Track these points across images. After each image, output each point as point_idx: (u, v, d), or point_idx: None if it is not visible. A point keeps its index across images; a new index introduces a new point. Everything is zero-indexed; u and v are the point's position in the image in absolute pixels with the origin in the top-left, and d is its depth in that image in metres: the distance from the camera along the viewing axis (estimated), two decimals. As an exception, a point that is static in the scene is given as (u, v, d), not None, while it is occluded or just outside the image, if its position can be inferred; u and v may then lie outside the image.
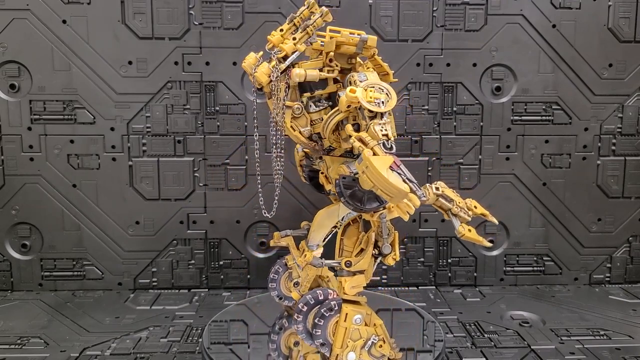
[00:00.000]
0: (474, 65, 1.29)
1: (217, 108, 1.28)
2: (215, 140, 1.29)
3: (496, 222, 0.84)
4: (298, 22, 0.89)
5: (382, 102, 0.77)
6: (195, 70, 1.27)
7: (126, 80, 1.26)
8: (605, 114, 1.33)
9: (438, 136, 1.31)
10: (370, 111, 0.77)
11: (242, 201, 1.31)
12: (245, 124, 1.28)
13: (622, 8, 1.28)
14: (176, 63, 1.26)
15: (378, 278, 1.35)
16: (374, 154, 0.73)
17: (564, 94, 1.31)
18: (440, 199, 0.78)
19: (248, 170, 1.30)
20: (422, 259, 1.36)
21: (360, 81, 0.81)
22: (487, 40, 1.28)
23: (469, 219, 0.78)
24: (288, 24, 0.89)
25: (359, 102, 0.77)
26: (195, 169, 1.30)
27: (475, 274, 1.37)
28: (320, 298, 0.85)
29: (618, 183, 1.35)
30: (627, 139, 1.34)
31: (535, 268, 1.37)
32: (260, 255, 1.33)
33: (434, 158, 1.32)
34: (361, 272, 0.85)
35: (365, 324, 0.83)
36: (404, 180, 0.70)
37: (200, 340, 1.05)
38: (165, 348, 1.03)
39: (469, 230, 0.78)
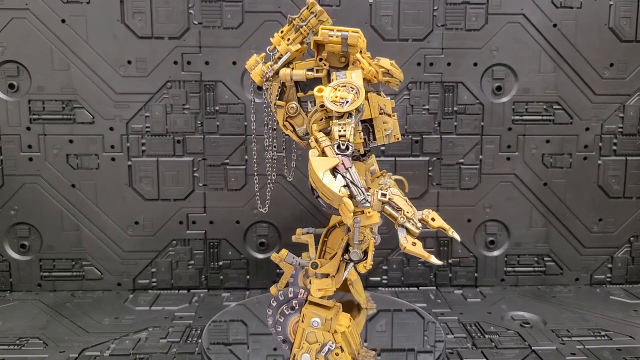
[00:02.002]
0: (475, 64, 1.29)
1: (217, 108, 1.27)
2: (215, 140, 1.28)
3: (458, 238, 0.79)
4: (297, 22, 0.89)
5: (347, 102, 0.76)
6: (195, 70, 1.26)
7: (125, 79, 1.26)
8: (607, 113, 1.32)
9: (439, 136, 1.31)
10: (337, 112, 0.76)
11: (242, 201, 1.31)
12: (245, 123, 1.28)
13: (623, 7, 1.28)
14: (175, 62, 1.26)
15: (379, 279, 1.35)
16: (324, 155, 0.73)
17: (564, 94, 1.31)
18: (386, 206, 0.75)
19: (248, 170, 1.29)
20: (422, 259, 1.35)
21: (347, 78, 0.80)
22: (487, 39, 1.28)
23: (417, 231, 0.74)
24: (288, 25, 0.89)
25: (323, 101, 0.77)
26: (194, 169, 1.29)
27: (475, 275, 1.36)
28: (290, 296, 0.86)
29: (619, 183, 1.34)
30: (628, 139, 1.33)
31: (536, 268, 1.37)
32: (260, 256, 1.33)
33: (435, 158, 1.31)
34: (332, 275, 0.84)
35: (326, 329, 0.81)
36: (347, 184, 0.70)
37: (199, 340, 1.04)
38: (165, 349, 1.03)
39: (413, 244, 0.74)
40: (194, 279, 1.33)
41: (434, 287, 1.35)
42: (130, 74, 1.26)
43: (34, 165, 1.27)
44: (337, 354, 0.80)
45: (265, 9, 1.24)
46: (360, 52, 0.87)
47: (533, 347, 1.03)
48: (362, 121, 0.86)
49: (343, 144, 0.75)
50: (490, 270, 1.36)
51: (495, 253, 1.36)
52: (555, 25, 1.28)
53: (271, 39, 0.90)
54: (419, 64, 1.28)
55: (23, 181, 1.28)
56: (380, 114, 0.85)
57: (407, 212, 0.74)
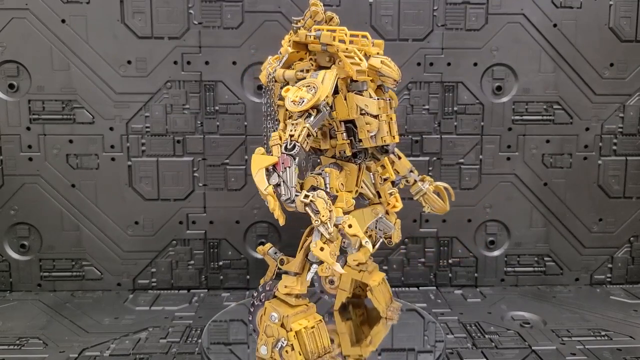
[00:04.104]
0: (475, 64, 1.29)
1: (217, 108, 1.27)
2: (215, 140, 1.28)
3: (371, 249, 0.79)
4: (299, 24, 0.90)
5: (305, 102, 0.78)
6: (195, 70, 1.26)
7: (125, 79, 1.26)
8: (607, 113, 1.32)
9: (439, 136, 1.31)
10: (292, 111, 0.79)
11: (242, 201, 1.31)
12: (245, 123, 1.28)
13: (623, 7, 1.28)
14: (175, 62, 1.26)
15: (378, 278, 1.35)
16: (271, 154, 0.77)
17: (565, 94, 1.31)
18: (307, 208, 0.75)
19: (248, 170, 1.29)
20: (422, 260, 1.35)
21: (316, 79, 0.81)
22: (487, 39, 1.28)
23: (328, 236, 0.75)
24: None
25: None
26: (194, 169, 1.29)
27: (475, 275, 1.36)
28: (267, 289, 0.88)
29: (619, 183, 1.34)
30: (629, 139, 1.33)
31: (536, 268, 1.37)
32: (260, 256, 1.32)
33: (435, 158, 1.31)
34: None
35: (282, 326, 0.82)
36: (278, 184, 0.74)
37: (199, 340, 1.04)
38: (165, 349, 1.03)
39: (321, 250, 0.75)
40: (194, 279, 1.33)
41: (434, 287, 1.35)
42: (130, 74, 1.26)
43: (34, 165, 1.27)
44: (287, 352, 0.81)
45: (265, 9, 1.24)
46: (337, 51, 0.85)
47: (533, 347, 1.03)
48: (345, 122, 0.86)
49: (290, 144, 0.76)
50: (490, 270, 1.36)
51: (495, 253, 1.36)
52: (555, 25, 1.28)
53: (282, 41, 0.91)
54: (419, 64, 1.28)
55: (23, 181, 1.28)
56: (362, 114, 0.84)
57: (323, 216, 0.74)
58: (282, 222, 0.77)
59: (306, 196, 0.75)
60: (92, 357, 1.00)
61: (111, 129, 1.27)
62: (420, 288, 1.35)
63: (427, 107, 1.30)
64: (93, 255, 1.31)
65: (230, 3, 1.24)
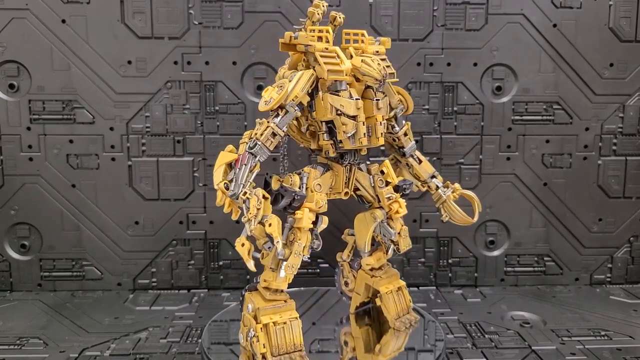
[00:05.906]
0: (475, 64, 1.29)
1: (217, 108, 1.27)
2: (215, 140, 1.28)
3: (279, 249, 0.81)
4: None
5: (271, 101, 0.81)
6: (195, 70, 1.26)
7: (125, 79, 1.26)
8: (606, 113, 1.32)
9: (439, 136, 1.31)
10: (261, 110, 0.82)
11: (242, 201, 1.31)
12: (245, 123, 1.28)
13: (623, 7, 1.28)
14: (176, 63, 1.26)
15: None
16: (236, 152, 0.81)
17: (564, 94, 1.31)
18: (244, 204, 0.78)
19: (248, 170, 1.29)
20: (422, 260, 1.35)
21: (289, 80, 0.83)
22: (487, 39, 1.28)
23: (250, 233, 0.79)
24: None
25: None
26: (194, 169, 1.29)
27: (475, 275, 1.36)
28: (258, 281, 0.90)
29: (619, 183, 1.34)
30: (628, 139, 1.33)
31: (536, 268, 1.37)
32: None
33: (435, 158, 1.31)
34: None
35: (255, 317, 0.85)
36: (230, 180, 0.78)
37: (199, 340, 1.04)
38: (165, 349, 1.03)
39: (242, 245, 0.80)
40: (194, 279, 1.33)
41: (434, 287, 1.35)
42: (130, 74, 1.26)
43: (34, 165, 1.27)
44: (253, 342, 0.84)
45: (265, 9, 1.24)
46: (315, 50, 0.85)
47: (533, 347, 1.03)
48: (327, 123, 0.86)
49: (252, 142, 0.80)
50: (490, 270, 1.36)
51: (495, 253, 1.36)
52: (555, 25, 1.28)
53: None
54: (419, 64, 1.28)
55: (23, 181, 1.28)
56: (339, 114, 0.84)
57: (250, 214, 0.77)
58: (234, 217, 0.80)
59: (244, 193, 0.77)
60: (92, 357, 1.00)
61: (111, 129, 1.27)
62: (420, 288, 1.35)
63: (427, 107, 1.30)
64: (93, 255, 1.31)
65: (230, 3, 1.24)
